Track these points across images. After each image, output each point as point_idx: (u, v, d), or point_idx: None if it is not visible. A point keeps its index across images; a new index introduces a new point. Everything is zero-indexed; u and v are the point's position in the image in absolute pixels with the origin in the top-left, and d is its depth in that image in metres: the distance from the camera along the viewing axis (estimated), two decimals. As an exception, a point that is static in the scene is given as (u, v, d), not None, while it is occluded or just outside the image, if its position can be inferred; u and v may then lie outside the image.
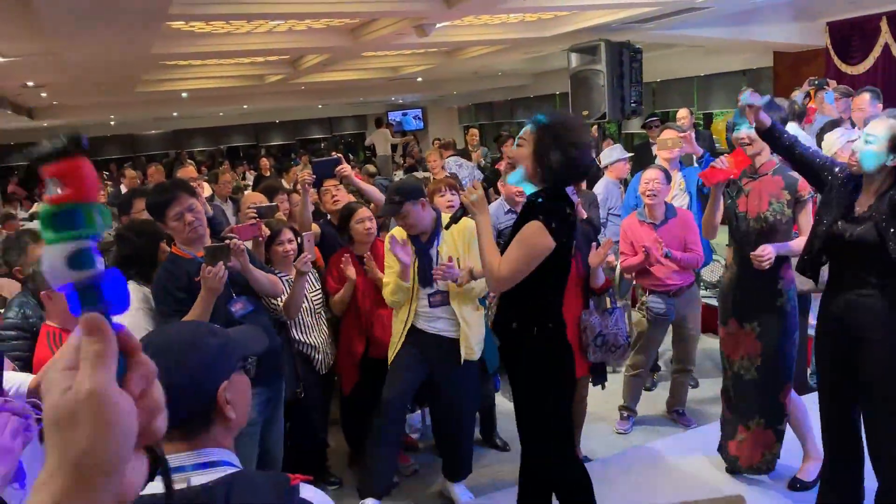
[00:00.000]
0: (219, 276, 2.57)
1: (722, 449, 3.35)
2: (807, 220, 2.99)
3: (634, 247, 3.95)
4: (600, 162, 5.26)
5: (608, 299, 3.41)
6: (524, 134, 2.43)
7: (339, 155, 4.24)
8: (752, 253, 2.96)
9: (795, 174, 2.99)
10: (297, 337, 3.46)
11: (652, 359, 4.30)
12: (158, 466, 0.63)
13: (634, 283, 4.61)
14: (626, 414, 4.20)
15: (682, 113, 6.61)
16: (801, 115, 5.42)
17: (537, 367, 2.54)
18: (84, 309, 0.56)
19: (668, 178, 4.01)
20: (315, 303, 3.57)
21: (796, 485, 3.20)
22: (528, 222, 2.40)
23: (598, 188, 4.96)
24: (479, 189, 2.49)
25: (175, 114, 16.12)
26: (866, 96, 4.94)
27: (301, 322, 3.49)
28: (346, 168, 3.96)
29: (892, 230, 2.37)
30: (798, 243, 3.03)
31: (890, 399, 2.50)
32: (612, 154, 5.19)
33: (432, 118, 19.43)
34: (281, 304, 3.32)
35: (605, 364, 3.62)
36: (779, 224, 3.00)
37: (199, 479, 1.14)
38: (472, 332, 3.27)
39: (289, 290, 3.27)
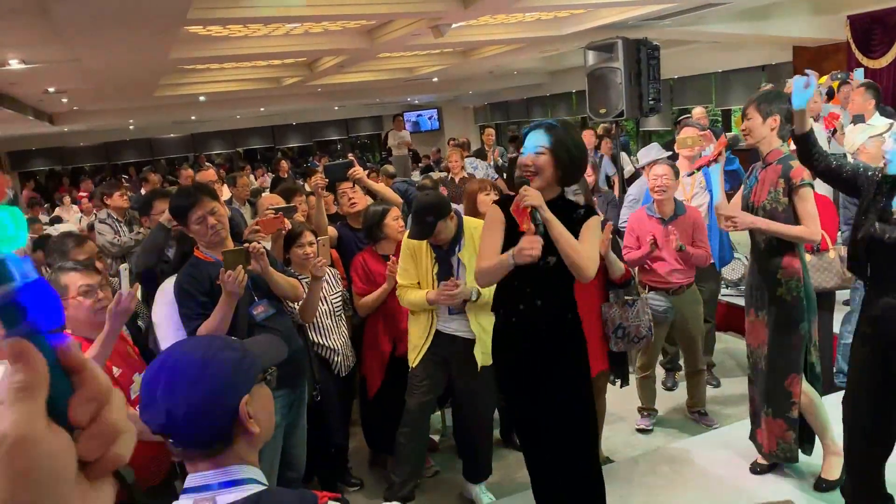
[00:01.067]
0: (238, 281, 2.57)
1: (752, 437, 3.33)
2: (804, 206, 2.92)
3: (640, 241, 3.94)
4: (637, 161, 5.19)
5: (629, 290, 3.40)
6: (539, 141, 2.45)
7: (352, 157, 4.29)
8: (721, 212, 3.04)
9: (793, 162, 2.96)
10: (315, 340, 3.46)
11: (657, 357, 4.24)
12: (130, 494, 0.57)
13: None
14: (646, 413, 4.19)
15: (699, 111, 6.56)
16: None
17: (583, 356, 2.60)
18: (7, 332, 0.47)
19: (677, 174, 4.01)
20: (335, 305, 3.56)
21: (822, 485, 3.15)
22: (587, 219, 2.50)
23: (634, 188, 4.89)
24: (533, 191, 2.40)
25: (193, 117, 16.26)
26: (861, 90, 4.89)
27: (320, 325, 3.48)
28: (358, 170, 3.98)
29: None
30: (796, 230, 2.95)
31: None
32: (649, 153, 5.12)
33: (447, 118, 19.43)
34: (298, 307, 3.33)
35: (626, 359, 3.60)
36: (776, 213, 2.97)
37: (225, 497, 1.13)
38: (488, 338, 3.20)
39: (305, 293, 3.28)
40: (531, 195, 2.35)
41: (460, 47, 9.58)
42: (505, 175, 9.75)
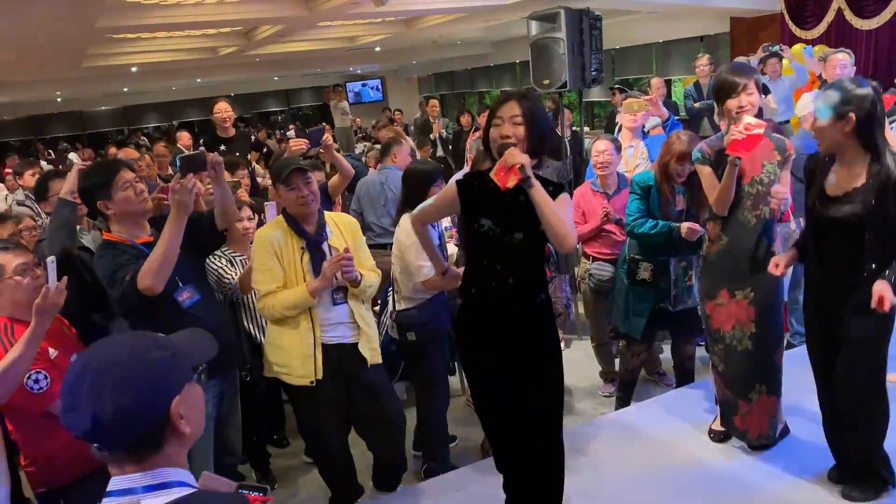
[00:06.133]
0: (189, 189, 2.43)
1: (729, 424, 3.27)
2: (785, 175, 3.03)
3: (585, 216, 4.07)
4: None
5: (547, 267, 3.40)
6: (514, 110, 2.30)
7: (324, 125, 4.21)
8: (772, 189, 2.90)
9: (780, 136, 3.09)
10: (246, 325, 3.37)
11: (607, 326, 4.24)
12: None
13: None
14: (607, 377, 4.34)
15: (656, 82, 6.69)
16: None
17: (552, 340, 2.50)
18: None
19: (618, 149, 4.14)
20: None
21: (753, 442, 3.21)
22: (558, 195, 2.37)
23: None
24: (518, 151, 2.26)
25: (125, 89, 15.60)
26: (841, 57, 5.05)
27: (254, 311, 3.36)
28: (329, 139, 3.83)
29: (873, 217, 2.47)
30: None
31: (858, 352, 2.64)
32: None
33: (391, 88, 19.16)
34: (236, 279, 3.24)
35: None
36: (771, 186, 2.98)
37: (151, 501, 1.08)
38: (372, 331, 2.95)
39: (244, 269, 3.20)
40: (518, 154, 2.22)
41: (403, 16, 9.41)
42: (451, 147, 9.71)
